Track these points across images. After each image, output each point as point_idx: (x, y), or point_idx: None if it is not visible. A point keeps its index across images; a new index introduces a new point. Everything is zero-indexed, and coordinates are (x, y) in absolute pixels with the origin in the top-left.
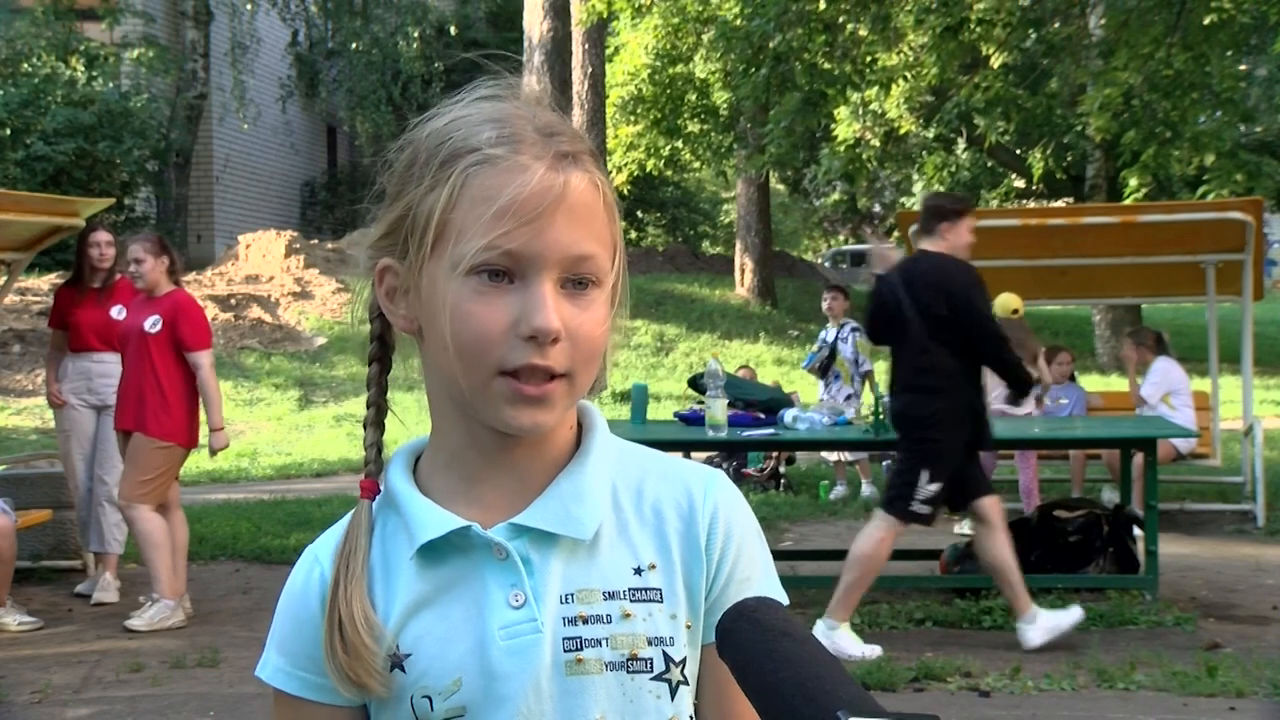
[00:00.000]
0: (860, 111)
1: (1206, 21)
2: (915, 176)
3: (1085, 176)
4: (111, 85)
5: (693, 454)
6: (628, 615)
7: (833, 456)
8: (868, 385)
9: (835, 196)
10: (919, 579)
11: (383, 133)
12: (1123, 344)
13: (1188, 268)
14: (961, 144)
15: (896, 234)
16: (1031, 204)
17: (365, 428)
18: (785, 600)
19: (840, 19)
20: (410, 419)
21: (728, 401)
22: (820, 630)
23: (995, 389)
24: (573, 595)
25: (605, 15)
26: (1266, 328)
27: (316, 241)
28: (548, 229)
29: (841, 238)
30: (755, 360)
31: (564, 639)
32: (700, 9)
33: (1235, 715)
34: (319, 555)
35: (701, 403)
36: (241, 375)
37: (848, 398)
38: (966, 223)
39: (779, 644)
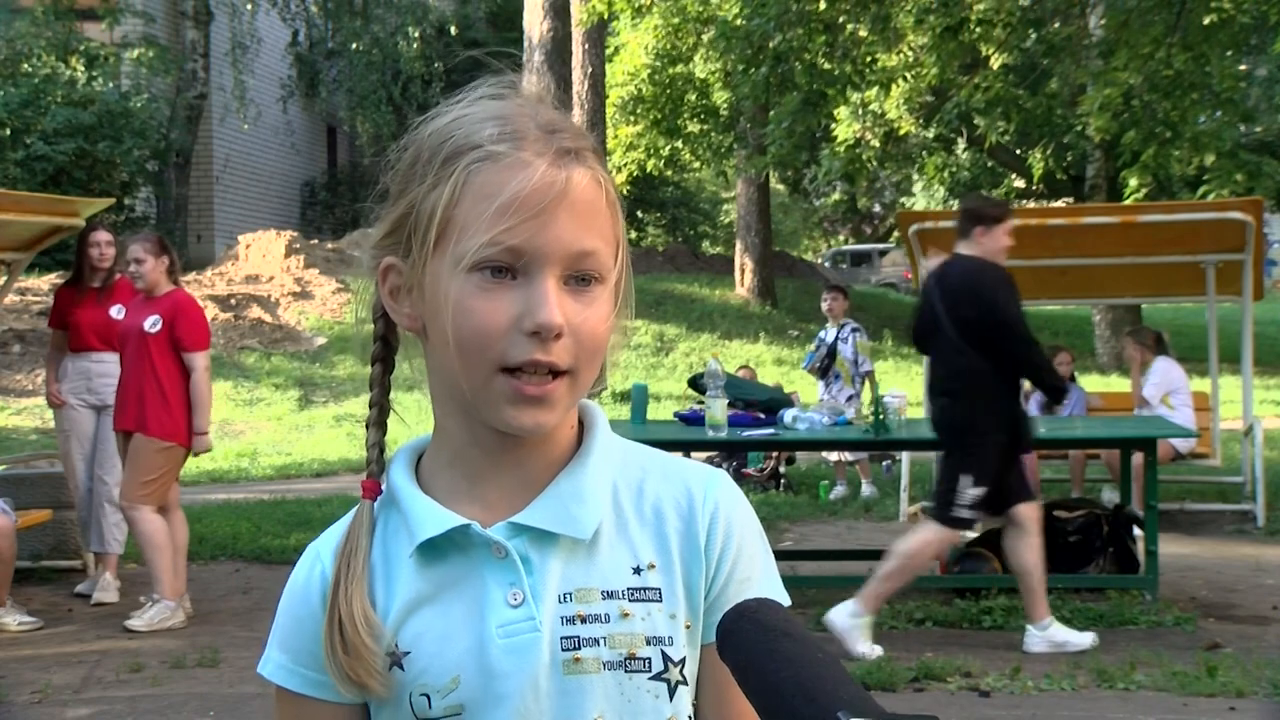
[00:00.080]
0: (860, 112)
1: (1206, 21)
2: (915, 177)
3: (1085, 176)
4: (111, 85)
5: (693, 454)
6: (626, 615)
7: (833, 456)
8: (868, 385)
9: (835, 196)
10: (919, 579)
11: (383, 133)
12: (1124, 344)
13: (1188, 268)
14: (961, 144)
15: (896, 234)
16: (1031, 204)
17: (368, 428)
18: (787, 600)
19: (840, 19)
20: (411, 419)
21: (728, 401)
22: (843, 612)
23: None
24: (571, 594)
25: (605, 16)
26: (1266, 328)
27: (316, 241)
28: (550, 225)
29: (841, 238)
30: (755, 360)
31: (562, 638)
32: (700, 9)
33: (1235, 715)
34: (320, 553)
35: (701, 403)
36: (241, 375)
37: (849, 398)
38: (1003, 228)
39: (779, 644)
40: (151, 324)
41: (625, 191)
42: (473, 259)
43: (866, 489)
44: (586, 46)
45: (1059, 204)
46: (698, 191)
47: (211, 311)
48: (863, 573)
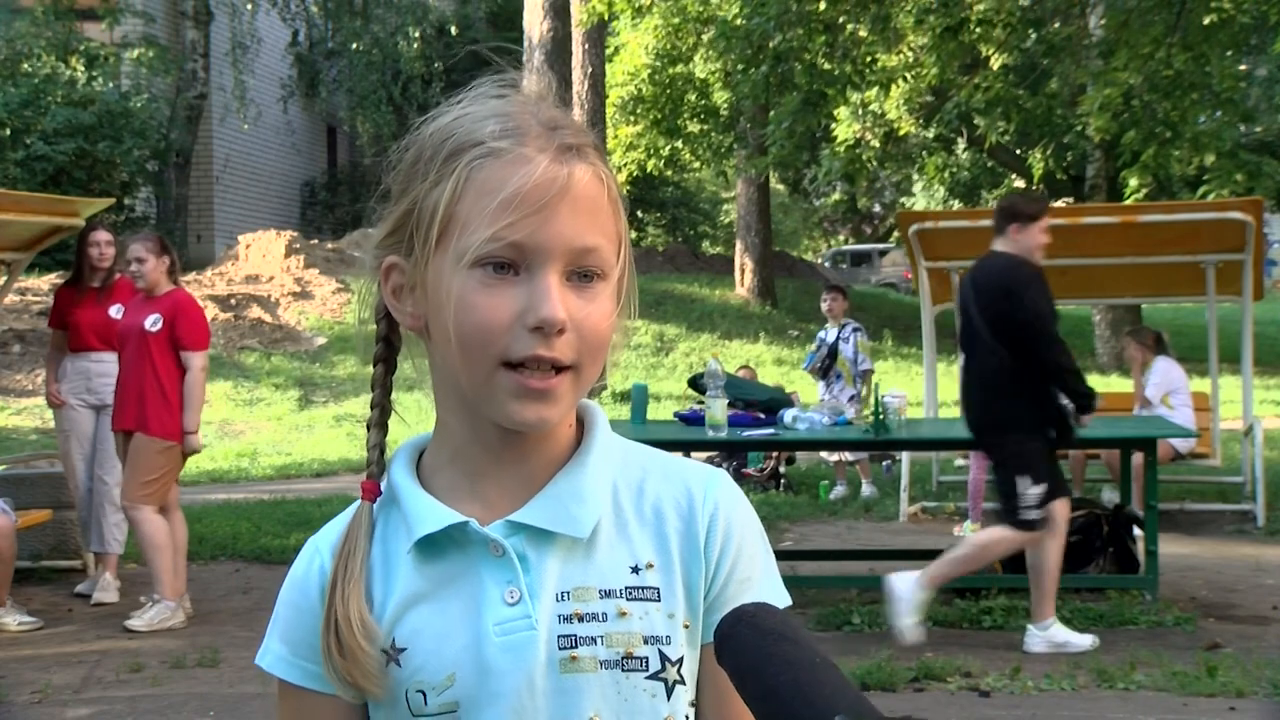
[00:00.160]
0: (860, 112)
1: (1206, 21)
2: (915, 177)
3: (1085, 176)
4: (111, 85)
5: (693, 454)
6: (624, 614)
7: (833, 457)
8: (868, 384)
9: (835, 197)
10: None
11: (383, 133)
12: (1124, 344)
13: (1188, 268)
14: (961, 144)
15: (896, 234)
16: None
17: (369, 428)
18: (787, 601)
19: (840, 19)
20: (411, 418)
21: (728, 401)
22: (906, 581)
23: None
24: (569, 593)
25: (605, 17)
26: (1266, 328)
27: (316, 241)
28: (552, 220)
29: (841, 238)
30: (755, 360)
31: (559, 636)
32: (700, 9)
33: (1235, 715)
34: (320, 547)
35: (701, 403)
36: (241, 375)
37: (850, 398)
38: (1038, 225)
39: (777, 647)
40: (152, 323)
41: (625, 191)
42: (475, 255)
43: (866, 489)
44: (586, 46)
45: (1059, 204)
46: (698, 191)
47: (211, 311)
48: (863, 573)
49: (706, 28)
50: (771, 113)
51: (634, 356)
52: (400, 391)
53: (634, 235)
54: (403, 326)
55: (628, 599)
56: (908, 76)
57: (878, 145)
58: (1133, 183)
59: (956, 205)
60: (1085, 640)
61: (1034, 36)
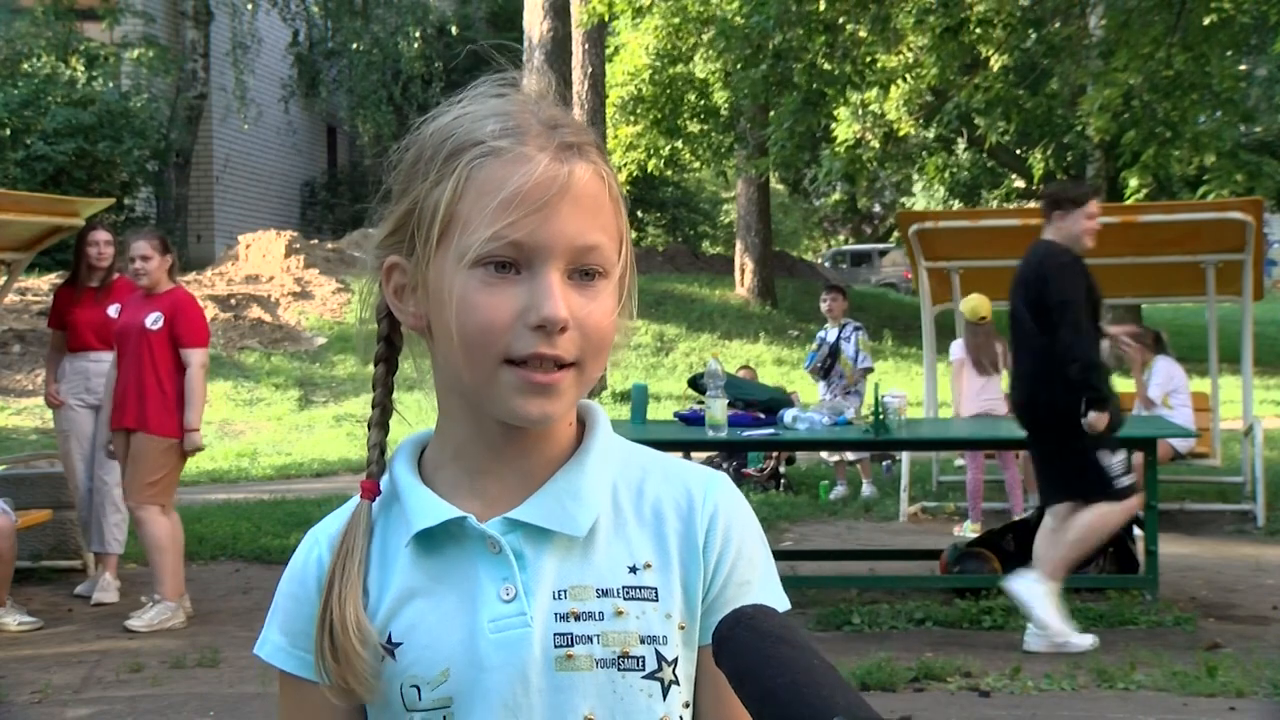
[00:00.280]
0: (860, 112)
1: (1206, 21)
2: (915, 177)
3: (1085, 176)
4: (111, 85)
5: (693, 454)
6: (620, 613)
7: (833, 457)
8: (865, 382)
9: (835, 197)
10: (919, 579)
11: (383, 133)
12: (1111, 341)
13: (1188, 268)
14: (961, 145)
15: (896, 234)
16: (1032, 204)
17: (370, 428)
18: (786, 604)
19: (840, 20)
20: (412, 418)
21: (728, 401)
22: (1025, 580)
23: (988, 390)
24: (565, 591)
25: (605, 17)
26: (1266, 328)
27: (316, 241)
28: (553, 219)
29: (841, 238)
30: (755, 360)
31: (555, 634)
32: (700, 9)
33: (1235, 715)
34: (319, 539)
35: (701, 403)
36: (241, 375)
37: (848, 393)
38: (1082, 211)
39: (776, 650)
40: (153, 321)
41: (625, 191)
42: (476, 254)
43: (866, 489)
44: (586, 46)
45: None
46: (698, 191)
47: (211, 311)
48: (863, 573)
49: (706, 27)
50: (772, 113)
51: (634, 356)
52: (401, 391)
53: (634, 235)
54: (404, 326)
55: (625, 598)
56: (908, 77)
57: (878, 145)
58: (1133, 183)
59: (956, 205)
60: (1085, 640)
61: (1034, 37)
